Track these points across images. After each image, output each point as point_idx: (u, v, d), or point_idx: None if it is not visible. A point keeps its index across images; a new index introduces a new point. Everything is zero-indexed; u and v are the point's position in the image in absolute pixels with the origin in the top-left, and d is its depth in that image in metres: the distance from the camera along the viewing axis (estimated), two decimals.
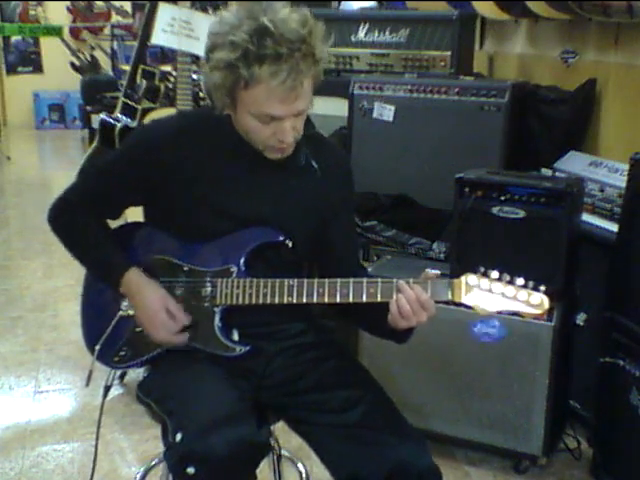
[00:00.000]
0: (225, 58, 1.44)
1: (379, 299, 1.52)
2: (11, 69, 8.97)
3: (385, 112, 3.01)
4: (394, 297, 1.51)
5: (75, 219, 1.71)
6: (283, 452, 1.94)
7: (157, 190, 1.63)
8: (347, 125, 3.12)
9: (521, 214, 2.34)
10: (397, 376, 2.49)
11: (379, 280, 1.53)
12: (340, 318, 1.69)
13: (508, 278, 1.48)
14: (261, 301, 1.58)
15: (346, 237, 1.74)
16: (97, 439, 1.76)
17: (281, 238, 1.62)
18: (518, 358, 2.35)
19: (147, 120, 3.49)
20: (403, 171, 2.99)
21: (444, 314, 2.29)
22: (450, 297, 1.49)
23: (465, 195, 2.42)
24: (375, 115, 3.02)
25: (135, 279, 1.65)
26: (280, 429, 1.76)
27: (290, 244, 1.62)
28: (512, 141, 2.84)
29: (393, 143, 3.00)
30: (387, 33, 3.32)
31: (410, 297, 1.50)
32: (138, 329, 1.67)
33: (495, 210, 2.37)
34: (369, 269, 2.54)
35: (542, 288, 1.47)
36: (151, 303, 1.63)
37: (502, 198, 2.36)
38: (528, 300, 1.46)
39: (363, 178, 2.80)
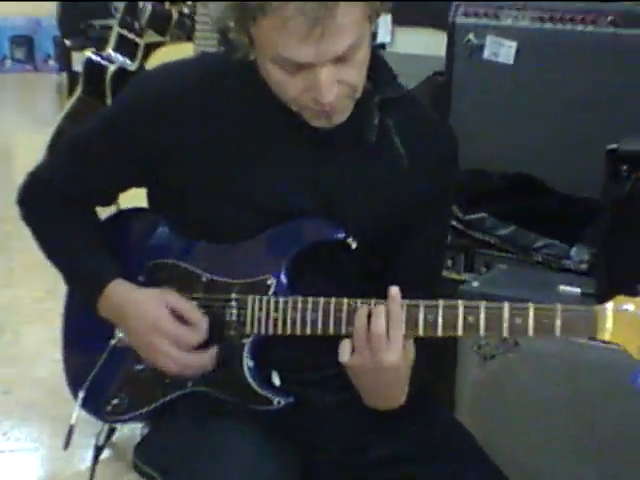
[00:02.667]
0: None
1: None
2: None
3: (502, 51, 2.98)
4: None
5: (50, 205, 1.77)
6: None
7: (162, 171, 1.66)
8: (445, 70, 3.11)
9: None
10: (516, 447, 2.47)
11: (482, 304, 1.51)
12: None
13: None
14: (309, 331, 1.58)
15: (428, 251, 1.75)
16: None
17: (341, 235, 1.62)
18: None
19: (152, 62, 3.55)
20: (526, 139, 2.97)
21: (584, 356, 2.27)
22: (592, 333, 1.48)
23: (621, 176, 2.39)
24: (487, 55, 3.00)
25: (118, 289, 1.68)
26: None
27: (354, 245, 1.62)
28: None
29: (513, 97, 2.99)
30: None
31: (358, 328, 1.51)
32: (138, 367, 1.70)
33: None
34: (473, 284, 2.53)
35: None
36: (142, 307, 1.64)
37: None
38: None
39: (467, 148, 2.74)
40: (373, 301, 1.52)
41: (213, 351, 1.62)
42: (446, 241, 1.98)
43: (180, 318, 1.63)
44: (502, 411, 2.47)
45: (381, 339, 1.49)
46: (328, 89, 1.48)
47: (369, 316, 1.51)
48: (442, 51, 3.10)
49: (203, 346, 1.63)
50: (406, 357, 1.52)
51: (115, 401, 1.73)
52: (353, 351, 1.53)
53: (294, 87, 1.51)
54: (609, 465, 2.42)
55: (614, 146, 2.41)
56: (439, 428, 1.69)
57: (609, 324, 1.46)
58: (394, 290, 1.51)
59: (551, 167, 2.92)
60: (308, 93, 1.50)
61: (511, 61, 2.98)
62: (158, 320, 1.63)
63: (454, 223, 2.89)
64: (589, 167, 2.58)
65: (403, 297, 1.53)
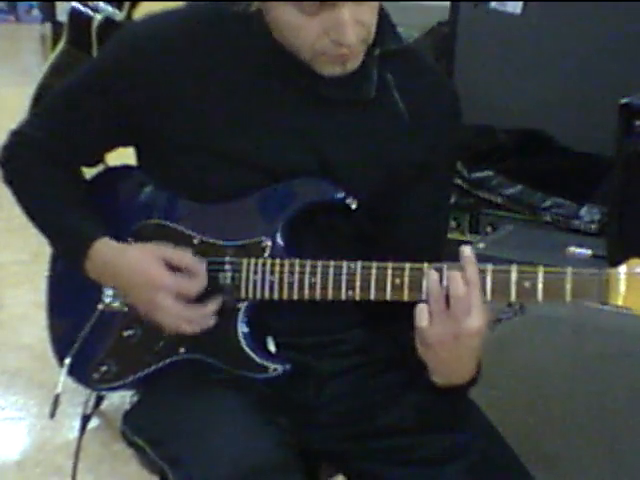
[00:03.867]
0: None
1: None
2: None
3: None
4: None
5: (33, 165, 1.76)
6: None
7: (150, 126, 1.65)
8: (449, 20, 3.11)
9: None
10: (522, 415, 2.49)
11: (489, 267, 1.49)
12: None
13: None
14: (307, 294, 1.58)
15: (431, 213, 1.74)
16: None
17: (340, 195, 1.62)
18: None
19: (140, 11, 3.52)
20: (535, 93, 2.97)
21: (593, 321, 2.27)
22: (603, 298, 1.47)
23: (635, 132, 2.38)
24: (494, 4, 3.00)
25: (105, 249, 1.67)
26: None
27: (354, 205, 1.62)
28: None
29: (520, 49, 2.98)
30: None
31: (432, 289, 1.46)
32: (128, 332, 1.71)
33: None
34: (479, 246, 2.53)
35: None
36: (136, 265, 1.64)
37: None
38: None
39: (472, 103, 2.75)
40: (439, 265, 1.49)
41: (214, 303, 1.62)
42: (449, 203, 1.95)
43: (177, 269, 1.62)
44: (508, 377, 2.47)
45: (464, 303, 1.44)
46: (351, 30, 1.48)
47: (441, 281, 1.47)
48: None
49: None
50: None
51: (103, 368, 1.73)
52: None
53: (312, 30, 1.50)
54: (618, 432, 2.43)
55: (627, 100, 2.41)
56: (442, 398, 1.69)
57: (622, 288, 1.46)
58: (467, 251, 1.47)
59: (560, 122, 2.92)
60: (327, 35, 1.50)
61: (519, 10, 2.97)
62: (156, 275, 1.62)
63: (458, 182, 2.90)
64: (601, 122, 2.58)
65: (407, 261, 1.52)
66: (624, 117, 2.40)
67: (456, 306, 1.44)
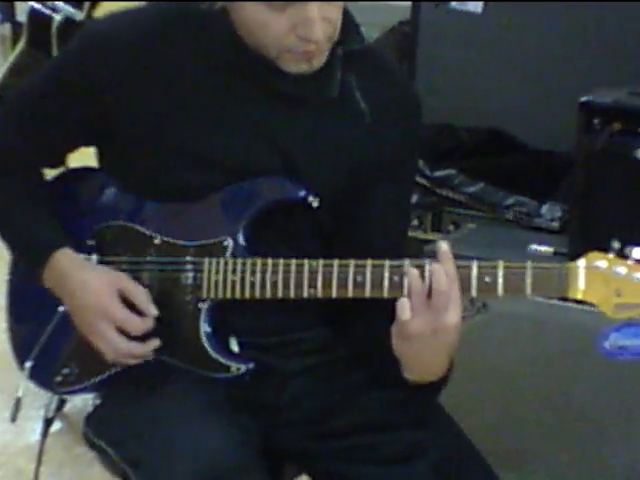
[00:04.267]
0: None
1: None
2: None
3: None
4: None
5: None
6: None
7: (111, 127, 1.65)
8: (410, 19, 3.11)
9: None
10: (485, 412, 2.50)
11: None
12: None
13: None
14: (269, 294, 1.58)
15: (391, 212, 1.74)
16: None
17: (302, 194, 1.62)
18: None
19: (100, 11, 3.51)
20: (496, 92, 2.98)
21: (555, 317, 2.29)
22: (563, 292, 1.48)
23: (594, 129, 2.40)
24: (455, 4, 3.01)
25: (65, 261, 1.67)
26: None
27: (315, 203, 1.62)
28: None
29: (481, 48, 2.99)
30: None
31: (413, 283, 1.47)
32: None
33: None
34: None
35: None
36: (91, 287, 1.64)
37: None
38: None
39: (433, 102, 2.78)
40: (419, 261, 1.49)
41: (154, 342, 1.63)
42: (411, 201, 1.97)
43: (129, 304, 1.63)
44: (470, 375, 2.48)
45: (444, 298, 1.45)
46: (318, 26, 1.49)
47: (422, 276, 1.47)
48: None
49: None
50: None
51: (65, 371, 1.72)
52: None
53: (279, 26, 1.51)
54: (580, 428, 2.44)
55: (587, 98, 2.42)
56: (405, 395, 1.70)
57: (581, 282, 1.47)
58: (444, 246, 1.47)
59: (521, 121, 2.94)
60: (295, 32, 1.51)
61: (479, 10, 2.98)
62: (106, 304, 1.62)
63: (421, 180, 2.91)
64: (561, 120, 2.60)
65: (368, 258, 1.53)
66: (584, 115, 2.42)
67: (437, 300, 1.45)
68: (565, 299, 1.51)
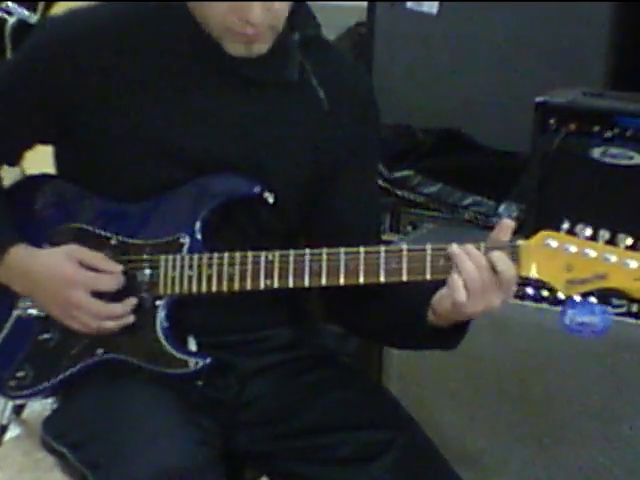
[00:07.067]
0: None
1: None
2: None
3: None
4: (459, 265, 1.52)
5: None
6: None
7: (69, 122, 1.65)
8: (366, 20, 3.11)
9: (637, 159, 2.35)
10: (444, 410, 2.50)
11: (404, 247, 1.55)
12: (343, 321, 1.72)
13: (608, 236, 1.48)
14: (226, 287, 1.59)
15: (360, 199, 1.76)
16: None
17: (257, 190, 1.63)
18: (634, 381, 2.37)
19: (56, 11, 3.49)
20: (452, 92, 2.98)
21: (515, 317, 2.32)
22: (517, 270, 1.50)
23: (550, 129, 2.42)
24: (410, 5, 3.02)
25: (20, 255, 1.67)
26: None
27: (271, 199, 1.64)
28: (625, 45, 2.83)
29: (437, 49, 3.00)
30: None
31: (480, 263, 1.50)
32: (44, 335, 1.70)
33: (597, 153, 2.38)
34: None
35: None
36: (53, 266, 1.64)
37: (608, 134, 2.37)
38: None
39: (391, 103, 2.78)
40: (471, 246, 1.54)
41: (132, 300, 1.63)
42: (378, 192, 1.99)
43: (92, 269, 1.63)
44: (431, 374, 2.49)
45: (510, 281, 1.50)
46: (256, 9, 1.50)
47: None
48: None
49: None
50: None
51: (19, 374, 1.72)
52: None
53: (222, 6, 1.52)
54: (543, 427, 2.45)
55: (543, 98, 2.44)
56: (365, 395, 1.71)
57: (533, 260, 1.49)
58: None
59: (477, 121, 2.94)
60: (234, 12, 1.52)
61: (435, 10, 2.99)
62: (70, 273, 1.63)
63: (378, 181, 2.90)
64: (517, 120, 2.61)
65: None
66: (539, 115, 2.43)
67: (503, 283, 1.49)
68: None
